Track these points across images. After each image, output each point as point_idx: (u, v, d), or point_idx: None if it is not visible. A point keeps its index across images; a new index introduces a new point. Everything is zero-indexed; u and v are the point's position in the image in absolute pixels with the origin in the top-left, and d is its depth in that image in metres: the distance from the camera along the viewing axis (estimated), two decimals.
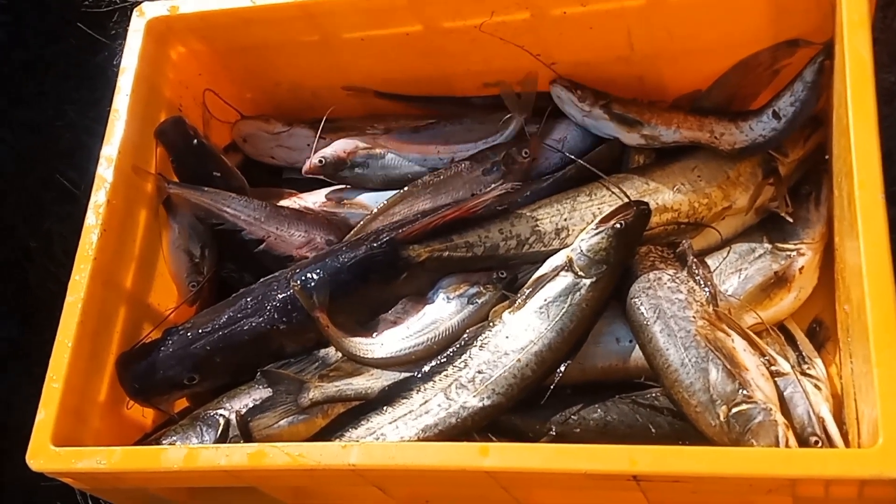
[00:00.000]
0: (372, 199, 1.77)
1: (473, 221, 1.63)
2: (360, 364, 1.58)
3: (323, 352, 1.63)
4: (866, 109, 1.31)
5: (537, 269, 1.57)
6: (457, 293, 1.59)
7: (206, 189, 1.74)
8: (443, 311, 1.58)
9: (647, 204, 1.56)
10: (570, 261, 1.52)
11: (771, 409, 1.39)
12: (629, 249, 1.55)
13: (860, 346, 1.29)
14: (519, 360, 1.49)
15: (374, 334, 1.58)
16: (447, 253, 1.61)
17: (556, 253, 1.58)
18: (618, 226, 1.52)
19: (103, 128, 1.71)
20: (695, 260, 1.56)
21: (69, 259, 1.62)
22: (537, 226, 1.62)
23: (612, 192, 1.62)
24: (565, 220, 1.62)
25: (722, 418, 1.40)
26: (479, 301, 1.58)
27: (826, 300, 1.64)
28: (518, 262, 1.62)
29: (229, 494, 1.59)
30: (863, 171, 1.29)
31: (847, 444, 1.43)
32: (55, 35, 2.48)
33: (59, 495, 1.99)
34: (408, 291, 1.63)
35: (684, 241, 1.59)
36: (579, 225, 1.61)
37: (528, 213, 1.63)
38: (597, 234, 1.52)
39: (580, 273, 1.51)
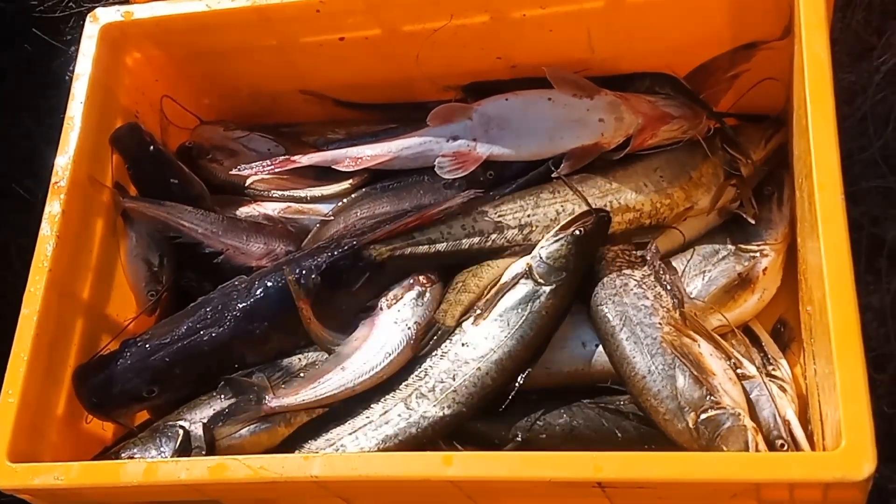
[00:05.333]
0: (332, 207, 1.75)
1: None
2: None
3: (286, 361, 1.61)
4: (825, 111, 1.31)
5: (498, 278, 1.57)
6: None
7: (162, 203, 1.71)
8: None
9: (607, 211, 1.56)
10: (530, 268, 1.52)
11: (740, 414, 1.39)
12: (589, 256, 1.55)
13: (822, 348, 1.29)
14: (479, 368, 1.49)
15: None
16: (409, 250, 1.59)
17: (519, 248, 1.58)
18: (577, 233, 1.52)
19: (60, 135, 1.68)
20: (661, 264, 1.56)
21: (27, 269, 1.58)
22: (500, 222, 1.61)
23: (575, 192, 1.62)
24: (528, 216, 1.61)
25: (691, 425, 1.40)
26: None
27: (790, 300, 1.64)
28: (481, 257, 1.61)
29: None
30: (822, 172, 1.28)
31: (812, 444, 1.44)
32: (9, 41, 2.44)
33: None
34: (370, 296, 1.61)
35: (650, 245, 1.58)
36: (543, 222, 1.60)
37: (491, 210, 1.62)
38: (556, 241, 1.52)
39: (540, 280, 1.51)
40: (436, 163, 1.64)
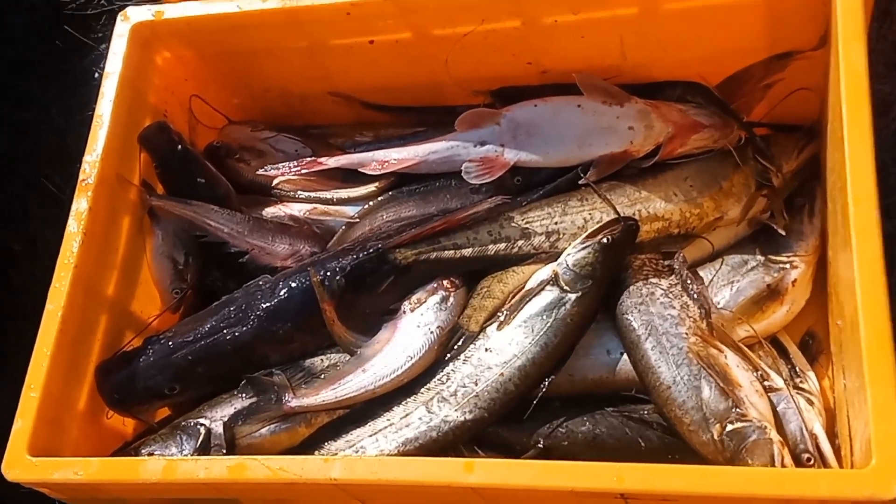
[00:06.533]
0: (358, 209, 1.74)
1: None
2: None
3: (308, 362, 1.60)
4: (861, 124, 1.29)
5: (523, 285, 1.55)
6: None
7: (189, 202, 1.71)
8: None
9: (635, 219, 1.54)
10: (556, 275, 1.51)
11: (766, 428, 1.37)
12: (616, 264, 1.53)
13: (853, 363, 1.26)
14: (502, 374, 1.47)
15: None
16: (435, 254, 1.58)
17: (546, 255, 1.57)
18: (604, 240, 1.50)
19: (89, 132, 1.68)
20: (689, 273, 1.54)
21: (54, 263, 1.59)
22: (527, 229, 1.59)
23: (604, 199, 1.60)
24: (556, 223, 1.59)
25: (716, 437, 1.38)
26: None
27: (819, 312, 1.62)
28: (507, 264, 1.59)
29: None
30: (857, 186, 1.26)
31: (840, 460, 1.41)
32: (40, 37, 2.45)
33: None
34: (394, 299, 1.60)
35: (678, 255, 1.56)
36: (570, 229, 1.58)
37: (518, 216, 1.60)
38: (583, 248, 1.51)
39: (566, 288, 1.49)
40: (463, 168, 1.63)
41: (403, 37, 1.70)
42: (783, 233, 1.61)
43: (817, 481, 1.16)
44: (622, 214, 1.56)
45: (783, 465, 1.34)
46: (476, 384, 1.47)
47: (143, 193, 1.72)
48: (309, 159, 1.76)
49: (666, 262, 1.58)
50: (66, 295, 1.55)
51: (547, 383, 1.48)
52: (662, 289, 1.52)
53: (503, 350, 1.49)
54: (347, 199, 1.75)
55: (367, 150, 1.75)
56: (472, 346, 1.51)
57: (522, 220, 1.60)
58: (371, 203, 1.73)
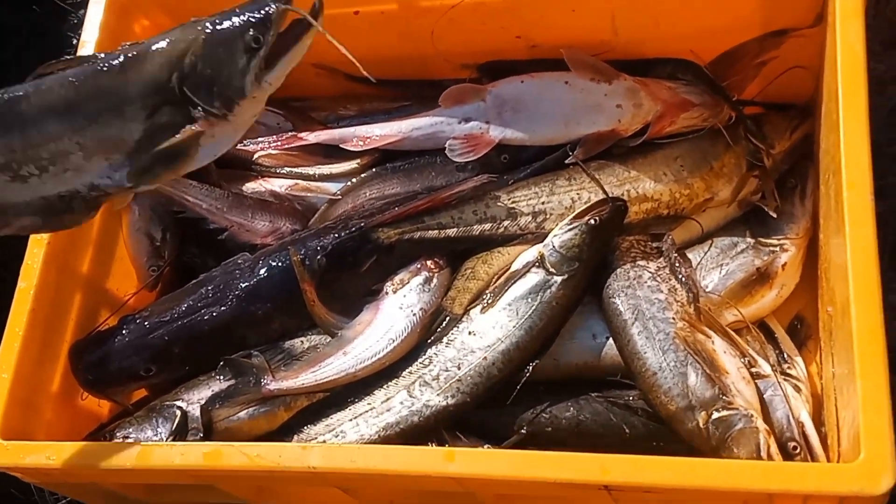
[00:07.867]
0: (341, 186, 1.70)
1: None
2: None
3: (287, 343, 1.57)
4: (857, 107, 1.26)
5: (508, 266, 1.52)
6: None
7: None
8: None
9: (623, 200, 1.51)
10: (542, 257, 1.47)
11: (752, 416, 1.35)
12: (603, 246, 1.50)
13: (843, 351, 1.24)
14: (485, 358, 1.44)
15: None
16: (418, 234, 1.55)
17: (532, 236, 1.54)
18: (592, 222, 1.47)
19: None
20: (677, 257, 1.51)
21: (28, 237, 1.55)
22: (514, 208, 1.56)
23: (592, 179, 1.57)
24: (543, 203, 1.56)
25: (701, 424, 1.36)
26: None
27: (808, 296, 1.59)
28: (492, 244, 1.56)
29: (189, 491, 1.54)
30: (852, 170, 1.23)
31: (826, 447, 1.39)
32: (18, 2, 2.39)
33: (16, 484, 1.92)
34: (377, 279, 1.57)
35: (667, 237, 1.53)
36: (557, 209, 1.55)
37: (504, 196, 1.57)
38: (570, 230, 1.47)
39: (551, 270, 1.46)
40: (447, 145, 1.59)
41: (389, 8, 1.66)
42: (774, 215, 1.58)
43: (804, 475, 1.14)
44: (611, 195, 1.53)
45: (769, 455, 1.32)
46: (459, 368, 1.44)
47: None
48: (289, 134, 1.72)
49: (654, 245, 1.55)
50: (38, 272, 1.52)
51: (531, 368, 1.46)
52: (650, 272, 1.49)
53: (487, 333, 1.46)
54: (330, 176, 1.71)
55: (350, 125, 1.71)
56: (455, 329, 1.48)
57: (508, 199, 1.56)
58: (354, 180, 1.68)
